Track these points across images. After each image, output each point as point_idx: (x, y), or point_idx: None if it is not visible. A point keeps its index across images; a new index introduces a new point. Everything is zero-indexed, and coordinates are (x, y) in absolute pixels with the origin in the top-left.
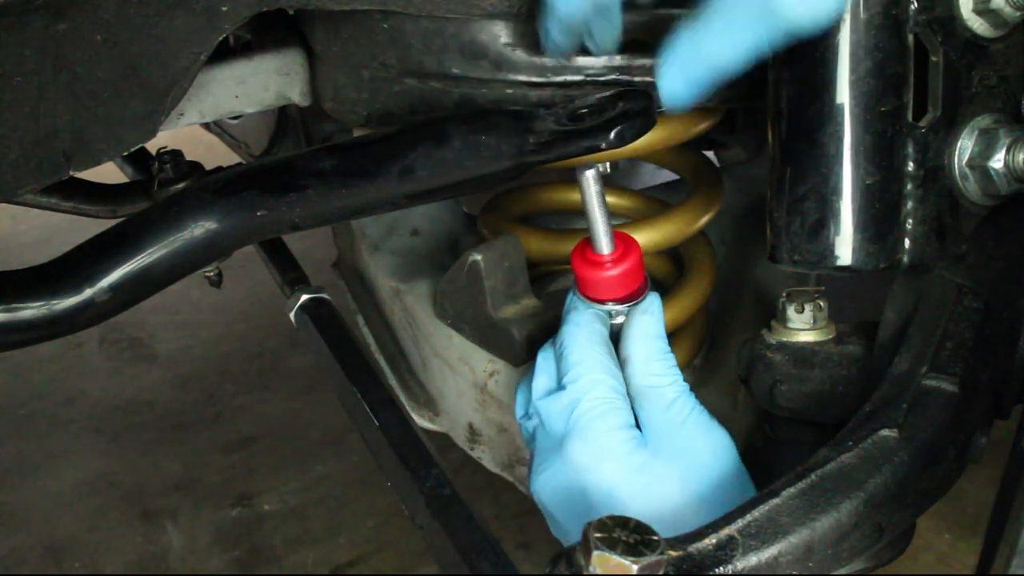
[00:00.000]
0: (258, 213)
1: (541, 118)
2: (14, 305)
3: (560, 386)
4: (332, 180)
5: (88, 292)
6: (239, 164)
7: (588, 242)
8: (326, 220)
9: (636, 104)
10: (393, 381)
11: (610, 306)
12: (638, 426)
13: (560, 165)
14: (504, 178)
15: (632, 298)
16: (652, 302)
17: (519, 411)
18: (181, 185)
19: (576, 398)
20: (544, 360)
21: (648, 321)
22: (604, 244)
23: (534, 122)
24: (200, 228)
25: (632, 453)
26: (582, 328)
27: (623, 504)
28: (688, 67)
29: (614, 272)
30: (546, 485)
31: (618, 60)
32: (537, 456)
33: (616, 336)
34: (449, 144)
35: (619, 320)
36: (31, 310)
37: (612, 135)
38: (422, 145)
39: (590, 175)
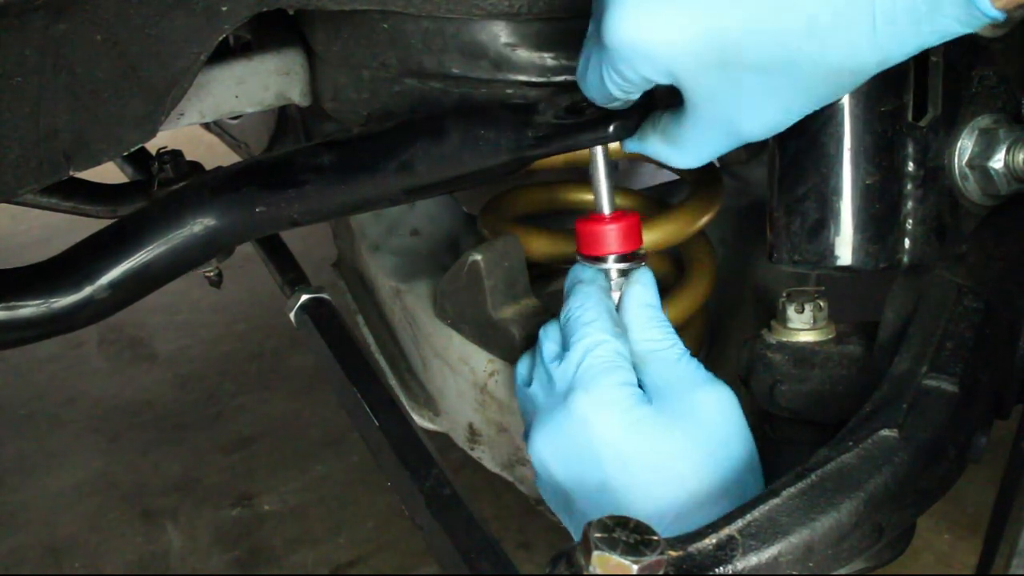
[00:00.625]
0: (257, 209)
1: (540, 112)
2: (14, 303)
3: (566, 347)
4: (331, 175)
5: (88, 290)
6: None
7: (590, 213)
8: (325, 215)
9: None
10: (393, 381)
11: (610, 263)
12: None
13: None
14: (503, 172)
15: (630, 259)
16: (643, 273)
17: (520, 379)
18: (180, 185)
19: (582, 355)
20: (550, 330)
21: (641, 291)
22: (606, 206)
23: (533, 116)
24: (199, 225)
25: (636, 406)
26: (588, 296)
27: (628, 458)
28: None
29: (614, 226)
30: (547, 441)
31: None
32: (539, 416)
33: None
34: (448, 139)
35: (616, 295)
36: (31, 308)
37: (611, 128)
38: (421, 140)
39: None
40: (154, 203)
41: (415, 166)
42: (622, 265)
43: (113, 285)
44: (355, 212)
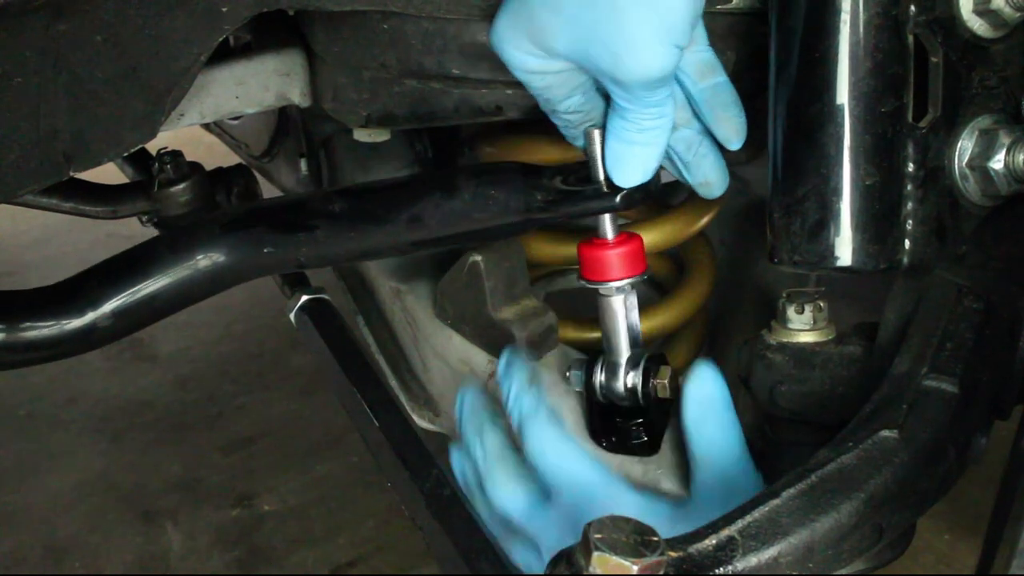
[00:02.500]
0: (265, 250)
1: (549, 176)
2: (21, 325)
3: (547, 497)
4: (341, 222)
5: (91, 316)
6: (239, 164)
7: (592, 237)
8: (332, 261)
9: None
10: (393, 381)
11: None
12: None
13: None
14: (510, 232)
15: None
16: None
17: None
18: (181, 186)
19: (577, 518)
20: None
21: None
22: (609, 230)
23: (543, 179)
24: (207, 260)
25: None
26: (541, 424)
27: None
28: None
29: (619, 251)
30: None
31: None
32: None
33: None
34: (458, 195)
35: (621, 313)
36: (35, 331)
37: (618, 199)
38: (432, 195)
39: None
40: (165, 235)
41: (425, 220)
42: (626, 282)
43: (116, 313)
44: (362, 260)
